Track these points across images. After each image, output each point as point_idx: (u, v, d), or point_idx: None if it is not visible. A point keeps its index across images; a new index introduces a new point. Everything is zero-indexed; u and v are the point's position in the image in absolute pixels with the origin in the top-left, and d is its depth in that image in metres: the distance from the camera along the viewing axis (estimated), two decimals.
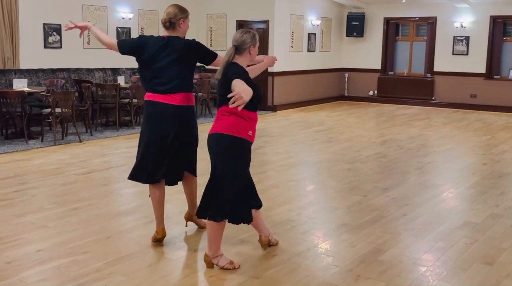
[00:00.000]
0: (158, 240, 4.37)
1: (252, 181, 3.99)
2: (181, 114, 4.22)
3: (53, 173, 6.67)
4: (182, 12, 4.26)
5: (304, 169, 7.40)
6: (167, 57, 4.16)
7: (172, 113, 4.18)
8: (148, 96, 4.27)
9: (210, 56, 4.32)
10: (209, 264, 3.92)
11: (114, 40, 4.45)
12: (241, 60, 3.83)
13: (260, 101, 3.83)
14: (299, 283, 3.74)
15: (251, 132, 3.81)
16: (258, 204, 4.07)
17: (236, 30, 3.98)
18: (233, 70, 3.69)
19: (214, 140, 3.80)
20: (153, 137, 4.24)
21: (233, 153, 3.78)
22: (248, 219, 3.90)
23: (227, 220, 3.86)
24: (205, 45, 4.43)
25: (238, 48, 3.81)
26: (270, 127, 10.53)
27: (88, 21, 10.48)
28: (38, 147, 8.20)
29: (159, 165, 4.25)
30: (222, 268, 3.89)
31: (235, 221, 3.87)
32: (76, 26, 4.61)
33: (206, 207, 3.86)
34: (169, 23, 4.23)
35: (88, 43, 11.02)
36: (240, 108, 3.27)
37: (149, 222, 4.86)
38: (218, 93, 3.87)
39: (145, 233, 4.61)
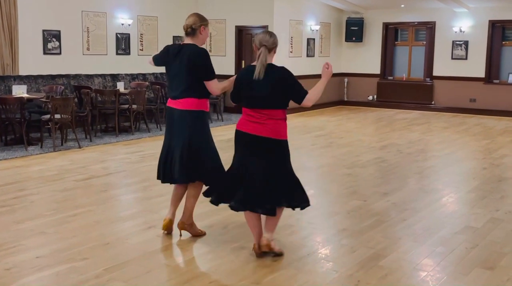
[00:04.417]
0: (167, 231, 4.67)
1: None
2: (189, 118, 4.38)
3: (52, 179, 6.66)
4: (202, 20, 4.48)
5: (304, 173, 7.37)
6: (178, 65, 4.39)
7: (179, 116, 4.39)
8: (168, 102, 4.57)
9: (206, 74, 4.39)
10: (268, 247, 4.12)
11: (151, 57, 4.79)
12: (271, 61, 4.09)
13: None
14: None
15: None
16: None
17: (261, 32, 4.19)
18: (290, 78, 4.08)
19: (268, 143, 4.02)
20: (165, 140, 4.57)
21: (288, 153, 4.18)
22: (307, 202, 4.20)
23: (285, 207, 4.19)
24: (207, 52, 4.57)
25: (270, 49, 4.05)
26: None
27: None
28: (37, 153, 8.19)
29: (168, 167, 4.52)
30: (277, 251, 4.20)
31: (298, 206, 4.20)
32: None
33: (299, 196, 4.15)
34: (191, 29, 4.45)
35: (88, 49, 11.03)
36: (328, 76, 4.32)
37: (148, 228, 4.85)
38: (260, 95, 3.99)
39: (144, 239, 4.59)
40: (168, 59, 4.48)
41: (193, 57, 4.35)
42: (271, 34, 4.10)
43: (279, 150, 4.09)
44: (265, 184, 4.04)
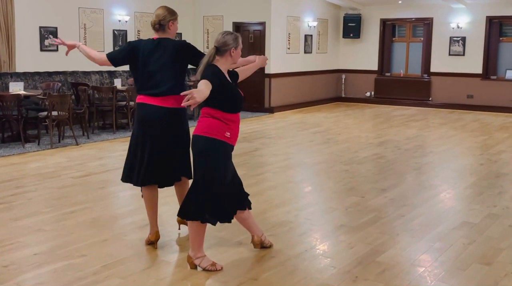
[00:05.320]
0: (152, 243, 4.36)
1: (229, 187, 3.90)
2: (173, 117, 4.21)
3: (50, 176, 6.65)
4: (171, 14, 4.26)
5: (302, 170, 7.39)
6: (159, 60, 4.17)
7: (163, 115, 4.17)
8: (140, 98, 4.25)
9: (200, 57, 4.31)
10: (192, 265, 3.93)
11: (103, 55, 4.38)
12: (222, 62, 3.80)
13: (238, 104, 3.82)
14: (297, 285, 3.72)
15: (228, 133, 3.77)
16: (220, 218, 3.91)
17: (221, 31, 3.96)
18: (208, 72, 3.69)
19: (192, 142, 3.83)
20: (144, 139, 4.22)
21: (206, 155, 3.75)
22: (224, 220, 3.89)
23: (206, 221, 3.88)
24: (202, 47, 4.48)
25: (219, 49, 3.78)
26: (267, 129, 10.52)
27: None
28: (35, 150, 8.18)
29: (150, 167, 4.23)
30: (204, 270, 3.89)
31: (210, 222, 3.86)
32: (63, 43, 4.49)
33: (187, 207, 3.87)
34: (159, 25, 4.24)
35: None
36: (192, 107, 3.37)
37: (146, 225, 4.83)
38: None
39: (142, 236, 4.59)
40: (139, 54, 4.16)
41: (183, 49, 4.22)
42: (226, 35, 3.78)
43: (195, 146, 3.78)
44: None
